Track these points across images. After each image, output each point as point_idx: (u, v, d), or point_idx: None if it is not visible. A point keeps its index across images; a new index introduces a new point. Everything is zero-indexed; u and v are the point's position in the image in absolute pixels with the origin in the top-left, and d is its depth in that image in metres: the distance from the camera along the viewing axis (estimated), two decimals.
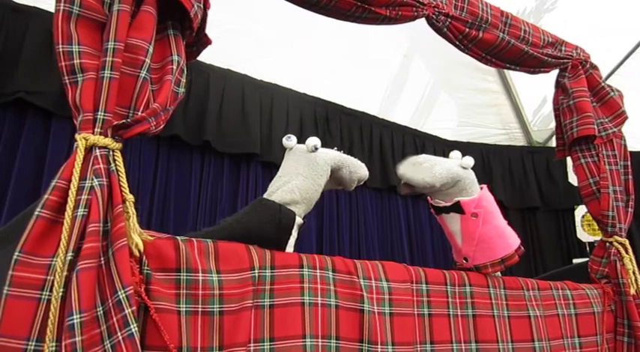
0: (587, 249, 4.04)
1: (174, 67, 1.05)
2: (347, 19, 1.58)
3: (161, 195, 2.89)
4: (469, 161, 1.53)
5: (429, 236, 4.03)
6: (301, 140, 1.33)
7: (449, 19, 1.70)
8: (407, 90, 4.14)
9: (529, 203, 4.43)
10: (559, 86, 2.02)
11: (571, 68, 1.98)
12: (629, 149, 1.98)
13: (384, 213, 3.89)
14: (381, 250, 3.73)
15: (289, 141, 1.33)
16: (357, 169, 1.41)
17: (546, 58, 1.89)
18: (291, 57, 3.41)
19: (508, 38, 1.79)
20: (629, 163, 1.91)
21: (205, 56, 1.32)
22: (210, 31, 1.25)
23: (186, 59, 1.15)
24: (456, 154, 1.58)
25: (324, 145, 1.34)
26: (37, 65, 2.50)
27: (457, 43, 1.75)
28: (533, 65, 1.92)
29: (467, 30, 1.73)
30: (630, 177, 1.89)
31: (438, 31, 1.72)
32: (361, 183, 1.46)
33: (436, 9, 1.67)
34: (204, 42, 1.25)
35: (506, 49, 1.81)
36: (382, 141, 3.93)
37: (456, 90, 4.33)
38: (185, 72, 1.11)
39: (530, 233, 4.48)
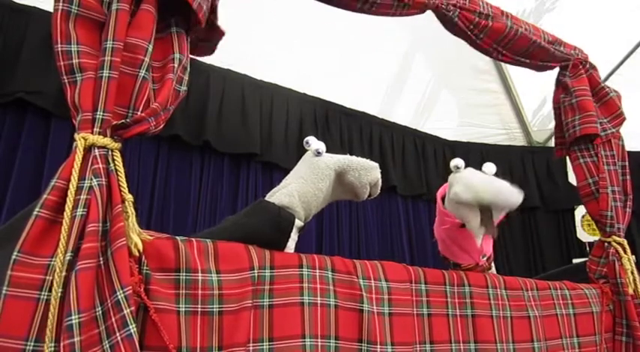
0: (587, 248, 4.03)
1: (176, 65, 1.04)
2: (355, 10, 1.55)
3: (161, 195, 2.89)
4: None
5: (429, 236, 4.03)
6: (301, 140, 1.33)
7: (458, 9, 1.68)
8: (407, 91, 4.14)
9: (529, 203, 4.41)
10: (560, 84, 2.01)
11: (572, 67, 1.97)
12: (630, 149, 1.98)
13: (384, 214, 3.89)
14: (381, 250, 3.73)
15: (307, 145, 1.31)
16: (367, 171, 1.31)
17: (553, 50, 1.88)
18: (291, 57, 3.41)
19: (516, 27, 1.77)
20: (626, 163, 1.91)
21: (205, 56, 1.32)
22: None
23: (202, 54, 1.14)
24: (490, 168, 1.60)
25: (324, 145, 1.32)
26: (37, 65, 2.50)
27: (468, 33, 1.72)
28: (541, 58, 1.90)
29: (476, 19, 1.70)
30: (628, 177, 1.89)
31: (449, 21, 1.69)
32: (376, 188, 1.36)
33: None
34: (218, 34, 1.22)
35: (516, 39, 1.79)
36: (382, 141, 3.93)
37: (456, 90, 4.33)
38: (188, 69, 1.10)
39: (530, 233, 4.48)
